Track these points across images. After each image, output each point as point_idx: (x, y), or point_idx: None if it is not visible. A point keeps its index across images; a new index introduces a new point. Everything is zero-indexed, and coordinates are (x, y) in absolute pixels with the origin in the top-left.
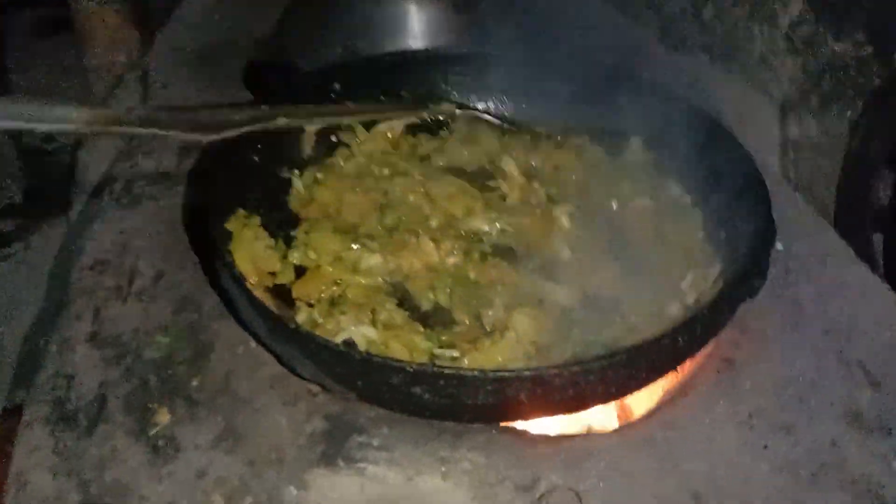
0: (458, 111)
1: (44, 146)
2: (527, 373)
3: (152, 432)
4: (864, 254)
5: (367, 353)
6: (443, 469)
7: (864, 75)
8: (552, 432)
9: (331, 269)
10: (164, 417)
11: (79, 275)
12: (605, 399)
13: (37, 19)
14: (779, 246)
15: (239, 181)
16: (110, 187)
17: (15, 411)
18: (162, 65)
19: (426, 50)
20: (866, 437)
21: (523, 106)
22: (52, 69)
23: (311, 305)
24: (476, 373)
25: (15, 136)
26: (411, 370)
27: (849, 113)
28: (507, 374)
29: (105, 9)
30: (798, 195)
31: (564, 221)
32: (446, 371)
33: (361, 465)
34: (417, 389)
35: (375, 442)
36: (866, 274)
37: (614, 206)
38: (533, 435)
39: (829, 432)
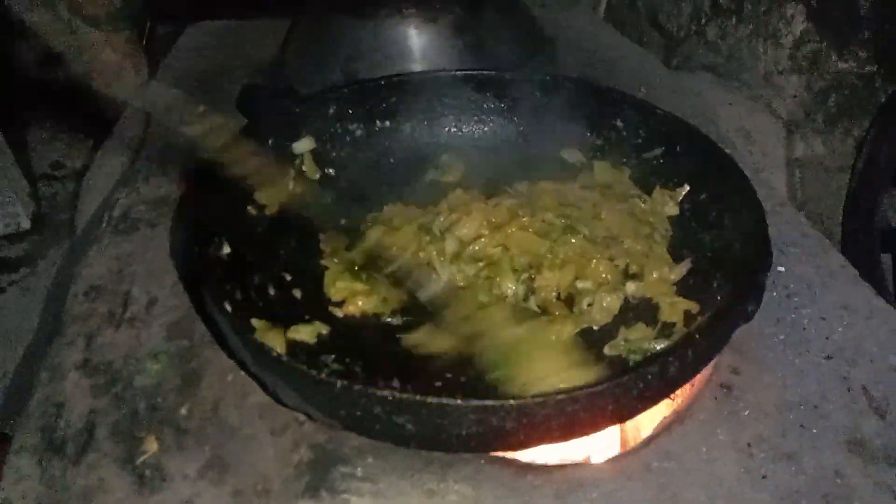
0: None
1: (52, 172)
2: (511, 402)
3: (139, 461)
4: (872, 275)
5: (348, 382)
6: (429, 501)
7: (870, 93)
8: (544, 462)
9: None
10: (151, 446)
11: (73, 301)
12: (594, 428)
13: (44, 48)
14: (780, 268)
15: (225, 208)
16: (109, 213)
17: (5, 439)
18: (165, 90)
19: (421, 72)
20: (871, 466)
21: (519, 128)
22: (61, 98)
23: None
24: (459, 402)
25: (22, 160)
26: (392, 399)
27: (855, 132)
28: (490, 403)
29: (112, 37)
30: (801, 216)
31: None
32: (429, 400)
33: (345, 496)
34: (400, 419)
35: (360, 472)
36: (871, 296)
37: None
38: (523, 464)
39: (832, 461)
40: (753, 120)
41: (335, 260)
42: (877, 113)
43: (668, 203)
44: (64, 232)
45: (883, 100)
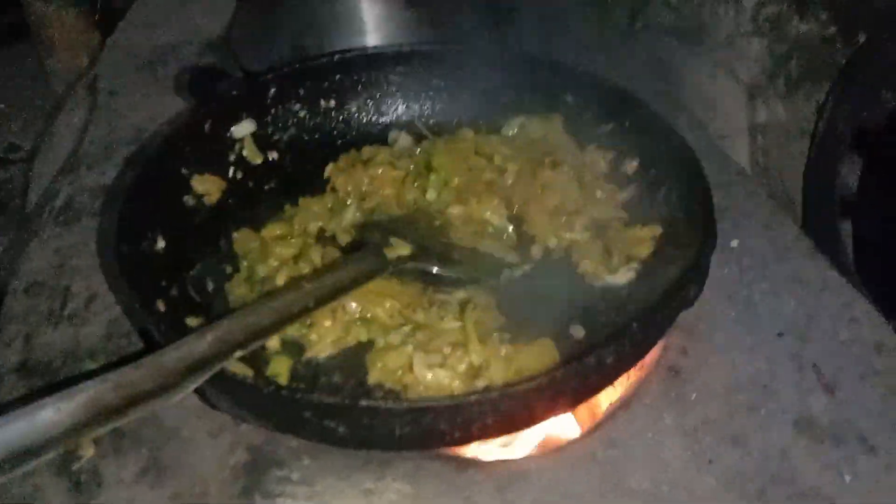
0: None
1: (6, 155)
2: (443, 402)
3: (75, 467)
4: (832, 242)
5: (277, 387)
6: (367, 501)
7: (831, 56)
8: (486, 456)
9: None
10: (88, 451)
11: (13, 299)
12: (533, 421)
13: None
14: (733, 243)
15: (160, 199)
16: (51, 203)
17: None
18: (111, 71)
19: (363, 48)
20: (818, 446)
21: (469, 104)
22: (14, 76)
23: None
24: (389, 404)
25: None
26: (320, 404)
27: (817, 96)
28: (421, 404)
29: (62, 12)
30: (759, 187)
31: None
32: (359, 404)
33: (280, 500)
34: (331, 423)
35: (295, 476)
36: (825, 268)
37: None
38: (464, 459)
39: (779, 442)
40: (716, 85)
41: (244, 263)
42: (836, 77)
43: (599, 162)
44: (19, 218)
45: (842, 62)
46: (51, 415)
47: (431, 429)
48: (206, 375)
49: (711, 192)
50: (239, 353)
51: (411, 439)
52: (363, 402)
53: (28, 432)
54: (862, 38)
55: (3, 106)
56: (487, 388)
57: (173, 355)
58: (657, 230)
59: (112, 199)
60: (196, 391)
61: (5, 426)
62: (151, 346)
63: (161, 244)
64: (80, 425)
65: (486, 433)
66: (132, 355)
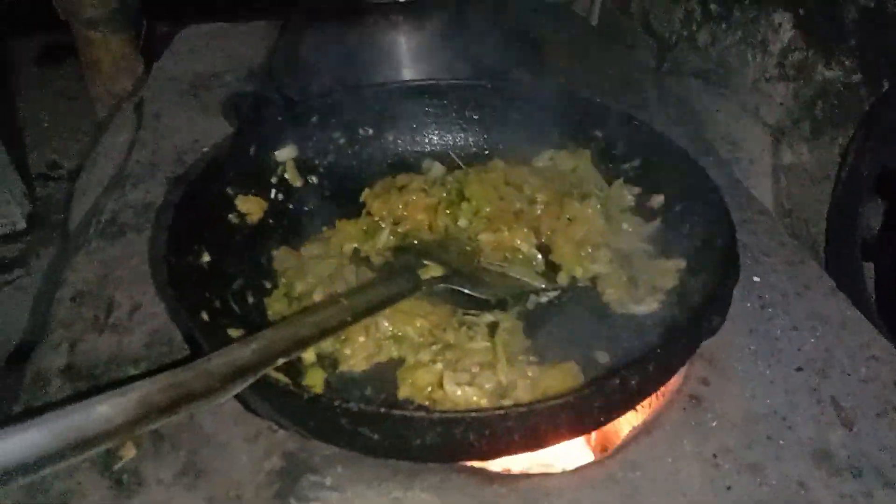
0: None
1: (48, 172)
2: (473, 415)
3: (117, 466)
4: (854, 283)
5: (315, 393)
6: None
7: (855, 102)
8: (511, 471)
9: None
10: (129, 452)
11: (59, 306)
12: (557, 440)
13: (43, 47)
14: (756, 278)
15: (207, 216)
16: (97, 218)
17: None
18: (157, 94)
19: (403, 82)
20: (835, 478)
21: (501, 136)
22: (57, 97)
23: None
24: (422, 414)
25: (19, 160)
26: (357, 411)
27: (840, 140)
28: (453, 415)
29: (109, 38)
30: (780, 225)
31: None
32: (393, 413)
33: None
34: (366, 430)
35: (328, 482)
36: (845, 307)
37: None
38: (490, 473)
39: (796, 472)
40: (741, 127)
41: (283, 280)
42: (859, 122)
43: (626, 196)
44: (59, 232)
45: (866, 108)
46: (105, 410)
47: (460, 440)
48: (249, 381)
49: (735, 228)
50: (281, 361)
51: (440, 450)
52: (398, 412)
53: (84, 425)
54: (886, 86)
55: (45, 125)
56: (516, 404)
57: (219, 361)
58: (681, 263)
59: (156, 216)
60: (238, 398)
61: (64, 418)
62: (196, 353)
63: (206, 258)
64: (131, 421)
65: (511, 448)
66: (172, 363)
